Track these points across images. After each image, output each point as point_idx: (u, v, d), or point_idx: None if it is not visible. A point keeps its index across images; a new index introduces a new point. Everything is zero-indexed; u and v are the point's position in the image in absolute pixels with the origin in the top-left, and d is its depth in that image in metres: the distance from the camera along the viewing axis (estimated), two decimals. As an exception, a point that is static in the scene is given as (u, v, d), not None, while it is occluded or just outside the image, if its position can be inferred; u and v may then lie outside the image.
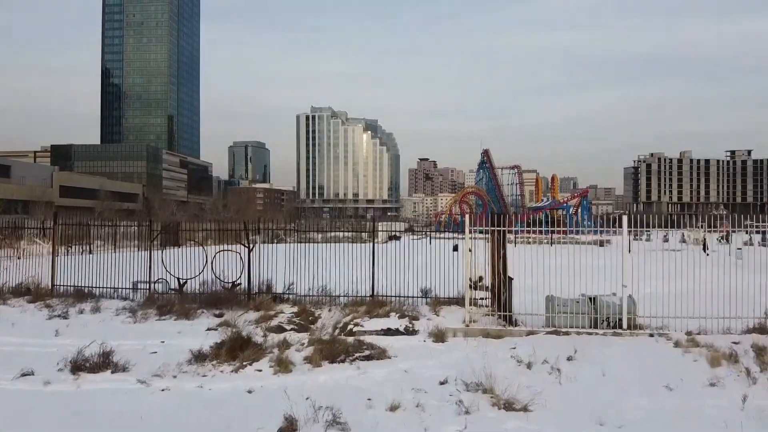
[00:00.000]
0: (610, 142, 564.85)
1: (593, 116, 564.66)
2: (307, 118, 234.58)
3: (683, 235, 68.20)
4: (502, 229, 11.82)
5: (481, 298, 13.74)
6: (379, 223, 66.68)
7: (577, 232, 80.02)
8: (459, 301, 13.69)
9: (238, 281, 14.65)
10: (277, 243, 58.31)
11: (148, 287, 15.23)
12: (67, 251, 19.70)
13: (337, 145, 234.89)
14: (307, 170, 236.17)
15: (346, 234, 74.77)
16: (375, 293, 14.13)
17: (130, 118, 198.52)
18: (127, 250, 17.06)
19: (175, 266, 15.39)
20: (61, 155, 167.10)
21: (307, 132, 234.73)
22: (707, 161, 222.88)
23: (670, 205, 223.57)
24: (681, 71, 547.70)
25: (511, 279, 11.43)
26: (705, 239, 41.35)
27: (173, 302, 14.15)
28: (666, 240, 67.66)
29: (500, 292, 11.74)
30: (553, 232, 60.40)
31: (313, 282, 14.49)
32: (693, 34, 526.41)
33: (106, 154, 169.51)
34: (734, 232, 73.48)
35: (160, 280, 15.37)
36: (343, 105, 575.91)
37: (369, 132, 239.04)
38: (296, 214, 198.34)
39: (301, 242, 57.73)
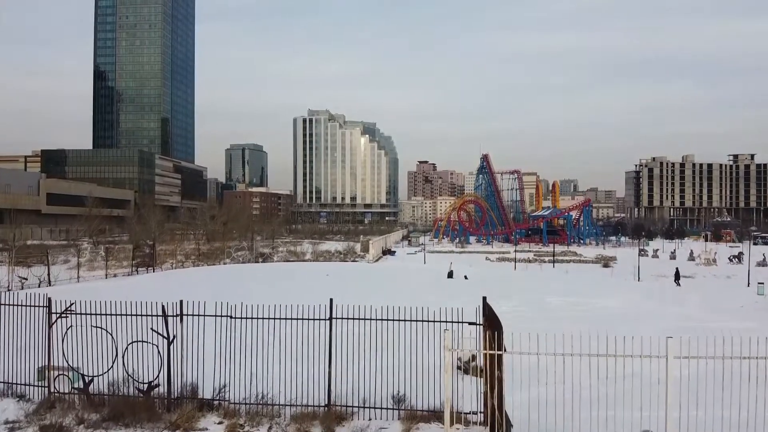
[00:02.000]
0: (610, 144, 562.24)
1: (594, 118, 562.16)
2: (304, 121, 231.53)
3: (691, 253, 65.04)
4: (497, 352, 8.44)
5: (471, 412, 10.49)
6: (371, 241, 62.99)
7: (579, 246, 76.24)
8: (440, 416, 10.40)
9: (156, 382, 11.35)
10: (262, 261, 54.01)
11: (47, 384, 11.94)
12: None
13: (335, 148, 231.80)
14: (304, 174, 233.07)
15: (337, 248, 70.32)
16: (332, 401, 10.83)
17: (124, 121, 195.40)
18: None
19: (84, 350, 12.07)
20: (52, 160, 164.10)
21: (304, 135, 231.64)
22: (710, 165, 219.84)
23: (672, 209, 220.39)
24: (682, 73, 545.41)
25: (510, 426, 8.10)
26: (677, 270, 38.37)
27: (70, 410, 10.91)
28: (673, 257, 64.55)
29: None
30: (554, 242, 56.64)
31: (254, 379, 11.19)
32: (694, 35, 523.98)
33: (98, 159, 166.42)
34: (738, 244, 70.25)
35: (63, 374, 12.07)
36: (342, 107, 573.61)
37: (367, 135, 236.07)
38: (293, 218, 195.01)
39: (288, 261, 53.41)
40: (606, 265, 52.52)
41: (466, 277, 38.87)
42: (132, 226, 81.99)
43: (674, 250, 67.04)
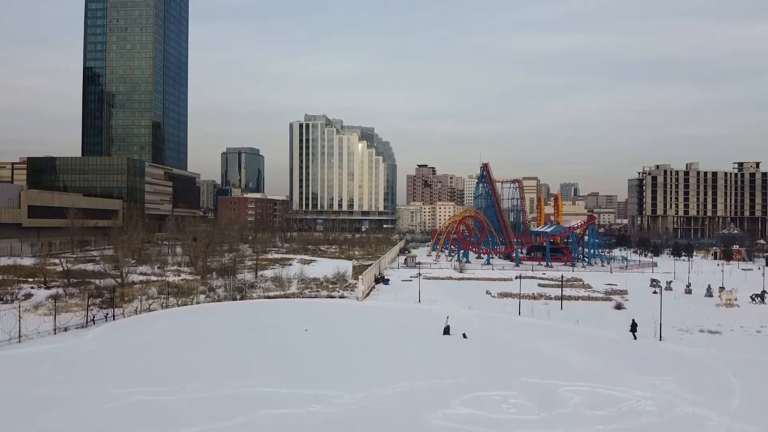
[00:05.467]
0: (612, 147, 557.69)
1: (595, 120, 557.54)
2: (301, 126, 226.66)
3: (709, 288, 59.94)
4: None
5: None
6: (360, 276, 58.03)
7: (585, 269, 71.07)
8: None
9: None
10: (240, 298, 48.48)
11: None
12: None
13: (332, 154, 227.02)
14: (301, 180, 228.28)
15: (327, 274, 64.52)
16: None
17: (114, 126, 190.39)
18: None
19: None
20: (38, 168, 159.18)
21: (301, 140, 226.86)
22: (714, 174, 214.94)
23: (676, 218, 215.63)
24: (683, 75, 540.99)
25: None
26: (634, 322, 33.98)
27: None
28: (689, 291, 59.72)
29: None
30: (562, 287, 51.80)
31: None
32: (695, 37, 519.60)
33: (86, 167, 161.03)
34: (750, 265, 64.62)
35: None
36: (340, 109, 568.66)
37: (365, 141, 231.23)
38: (288, 225, 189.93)
39: (268, 297, 47.19)
40: (619, 307, 47.72)
41: (464, 336, 34.21)
42: (116, 238, 77.32)
43: (689, 284, 61.77)
